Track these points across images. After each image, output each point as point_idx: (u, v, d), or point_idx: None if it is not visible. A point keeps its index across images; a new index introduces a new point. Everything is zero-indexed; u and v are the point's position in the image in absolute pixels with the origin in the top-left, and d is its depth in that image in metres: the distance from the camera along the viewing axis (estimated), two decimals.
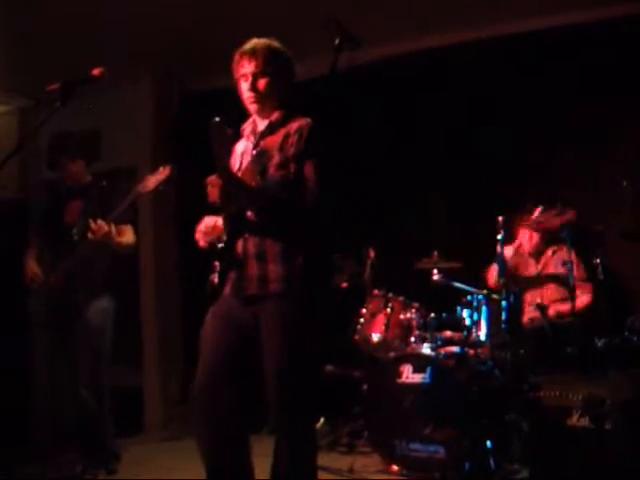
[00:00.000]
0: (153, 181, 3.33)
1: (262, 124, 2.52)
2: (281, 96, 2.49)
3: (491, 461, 3.36)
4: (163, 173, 3.31)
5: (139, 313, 5.34)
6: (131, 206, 3.53)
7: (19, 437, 3.86)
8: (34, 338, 3.73)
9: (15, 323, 3.92)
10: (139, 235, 3.94)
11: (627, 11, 4.18)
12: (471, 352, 3.77)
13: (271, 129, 2.48)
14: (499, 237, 3.70)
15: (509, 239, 4.15)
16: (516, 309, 3.85)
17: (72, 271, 3.61)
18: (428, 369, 3.63)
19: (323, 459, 3.38)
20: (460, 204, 4.72)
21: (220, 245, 2.41)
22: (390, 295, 4.08)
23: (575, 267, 3.96)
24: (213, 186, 2.33)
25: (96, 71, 2.50)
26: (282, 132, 2.45)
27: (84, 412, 3.64)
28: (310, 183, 2.37)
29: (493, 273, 4.06)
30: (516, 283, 4.04)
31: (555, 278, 4.00)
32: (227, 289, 2.45)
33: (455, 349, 3.79)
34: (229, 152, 2.56)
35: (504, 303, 3.64)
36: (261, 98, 2.46)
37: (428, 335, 3.90)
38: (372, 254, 4.33)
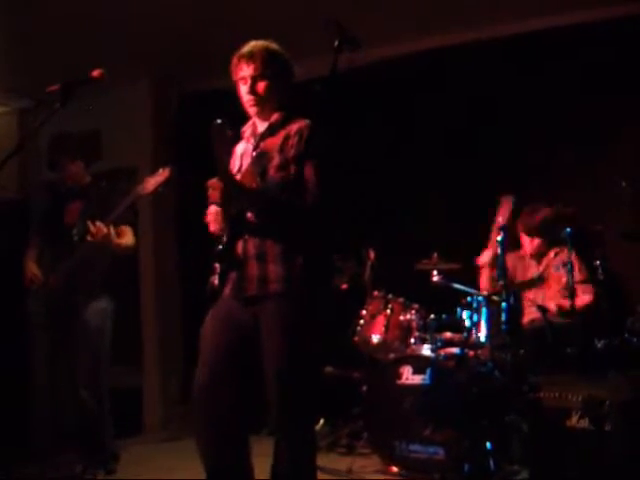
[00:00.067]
0: (152, 183, 3.33)
1: (262, 126, 2.53)
2: (280, 98, 2.50)
3: (491, 462, 3.36)
4: (162, 175, 3.31)
5: (139, 314, 5.33)
6: (131, 207, 3.53)
7: (18, 437, 3.86)
8: (34, 338, 3.73)
9: (15, 323, 3.92)
10: (139, 236, 3.94)
11: (627, 11, 4.18)
12: (471, 353, 3.77)
13: (271, 131, 2.49)
14: (498, 239, 3.70)
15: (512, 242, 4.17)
16: (516, 310, 3.85)
17: (72, 272, 3.60)
18: (428, 370, 3.63)
19: (322, 460, 3.39)
20: (460, 205, 4.72)
21: (220, 246, 2.41)
22: (390, 296, 4.08)
23: (576, 268, 3.97)
24: (214, 189, 2.34)
25: (96, 72, 2.50)
26: (282, 134, 2.45)
27: (83, 412, 3.64)
28: (310, 184, 2.37)
29: (484, 277, 4.05)
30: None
31: (531, 283, 4.01)
32: (227, 290, 2.46)
33: (455, 350, 3.78)
34: (229, 154, 2.56)
35: (504, 304, 3.64)
36: (260, 101, 2.46)
37: (428, 336, 3.90)
38: (372, 255, 4.33)
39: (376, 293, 4.14)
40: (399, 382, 3.67)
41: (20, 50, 4.76)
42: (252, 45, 2.47)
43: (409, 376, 3.66)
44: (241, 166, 2.53)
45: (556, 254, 4.19)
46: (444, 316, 3.99)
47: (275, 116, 2.49)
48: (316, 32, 2.46)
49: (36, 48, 4.64)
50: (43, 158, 4.64)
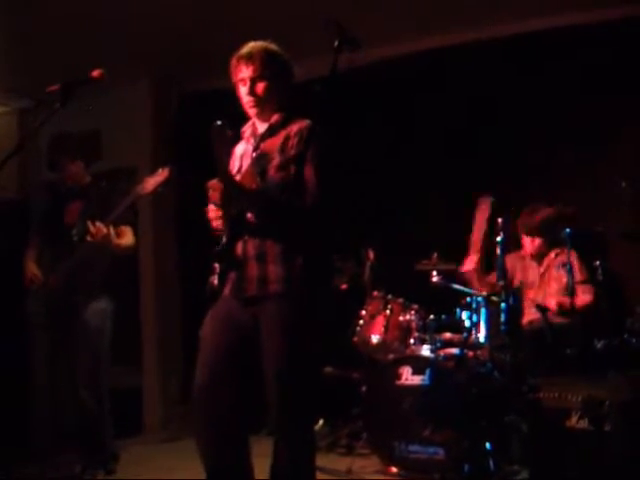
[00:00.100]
0: (152, 183, 3.33)
1: (262, 127, 2.53)
2: (280, 99, 2.49)
3: (490, 462, 3.36)
4: (162, 175, 3.31)
5: (139, 314, 5.33)
6: (131, 207, 3.53)
7: (18, 437, 3.86)
8: (34, 339, 3.74)
9: (15, 323, 3.92)
10: (139, 236, 3.94)
11: (626, 13, 4.18)
12: (470, 354, 3.77)
13: (271, 131, 2.49)
14: (498, 239, 3.70)
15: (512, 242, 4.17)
16: (515, 311, 3.85)
17: (71, 272, 3.61)
18: (427, 371, 3.63)
19: (322, 460, 3.40)
20: (460, 205, 4.72)
21: (220, 247, 2.41)
22: (389, 297, 4.07)
23: (577, 269, 3.97)
24: (214, 190, 2.34)
25: (95, 73, 2.50)
26: (282, 134, 2.45)
27: (83, 412, 3.64)
28: (310, 185, 2.37)
29: (475, 283, 4.05)
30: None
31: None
32: (227, 290, 2.46)
33: (454, 351, 3.78)
34: (229, 155, 2.56)
35: (503, 305, 3.64)
36: (260, 102, 2.46)
37: (427, 337, 3.90)
38: (372, 255, 4.33)
39: (375, 293, 4.14)
40: (398, 382, 3.67)
41: (20, 50, 4.76)
42: (251, 46, 2.47)
43: (408, 376, 3.66)
44: (241, 167, 2.53)
45: (557, 255, 4.19)
46: (443, 317, 3.99)
47: (275, 117, 2.49)
48: (316, 32, 2.46)
49: (36, 48, 4.63)
50: (43, 158, 4.64)
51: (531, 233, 4.18)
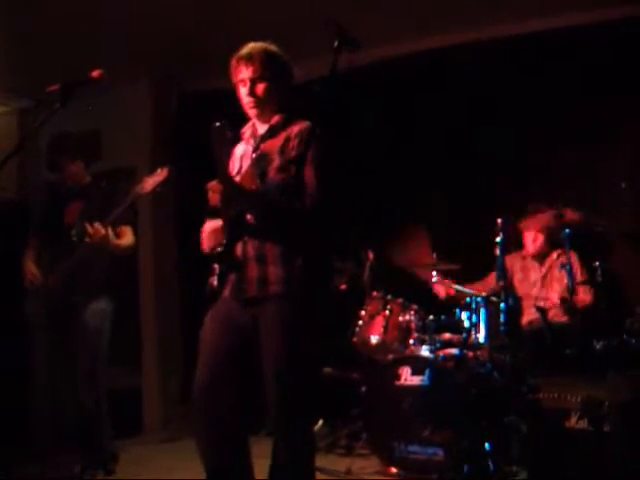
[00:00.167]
0: (151, 183, 3.33)
1: (262, 128, 2.52)
2: (280, 100, 2.49)
3: (490, 463, 3.36)
4: (161, 175, 3.31)
5: (138, 314, 5.33)
6: (130, 207, 3.53)
7: (18, 437, 3.87)
8: (33, 339, 3.74)
9: (14, 324, 3.92)
10: (138, 236, 3.94)
11: (625, 13, 4.18)
12: (470, 354, 3.77)
13: (271, 132, 2.48)
14: (498, 240, 3.70)
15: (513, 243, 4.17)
16: (515, 311, 3.85)
17: (71, 272, 3.61)
18: (427, 371, 3.63)
19: (321, 461, 3.40)
20: (460, 205, 4.72)
21: (219, 248, 2.40)
22: (389, 297, 4.07)
23: (577, 270, 3.98)
24: (214, 191, 2.34)
25: (95, 73, 2.50)
26: (283, 135, 2.45)
27: (82, 413, 3.64)
28: (310, 187, 2.37)
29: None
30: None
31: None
32: (226, 291, 2.45)
33: (454, 351, 3.79)
34: (229, 156, 2.56)
35: (503, 305, 3.64)
36: (260, 103, 2.46)
37: (427, 337, 3.90)
38: (371, 256, 4.33)
39: (375, 294, 4.14)
40: (398, 383, 3.68)
41: (20, 50, 4.76)
42: (251, 47, 2.47)
43: (408, 377, 3.66)
44: (241, 168, 2.53)
45: (559, 255, 4.19)
46: (443, 317, 3.99)
47: (276, 118, 2.49)
48: (316, 33, 2.45)
49: (36, 48, 4.63)
50: (43, 158, 4.64)
51: (550, 237, 4.17)
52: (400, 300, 4.06)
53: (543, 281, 4.21)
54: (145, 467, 4.00)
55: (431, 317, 3.98)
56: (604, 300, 3.87)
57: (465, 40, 4.66)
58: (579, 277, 4.00)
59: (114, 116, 5.36)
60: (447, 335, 3.96)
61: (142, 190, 3.37)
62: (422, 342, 3.91)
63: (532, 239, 4.25)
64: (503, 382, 3.59)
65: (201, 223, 2.51)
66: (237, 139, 2.59)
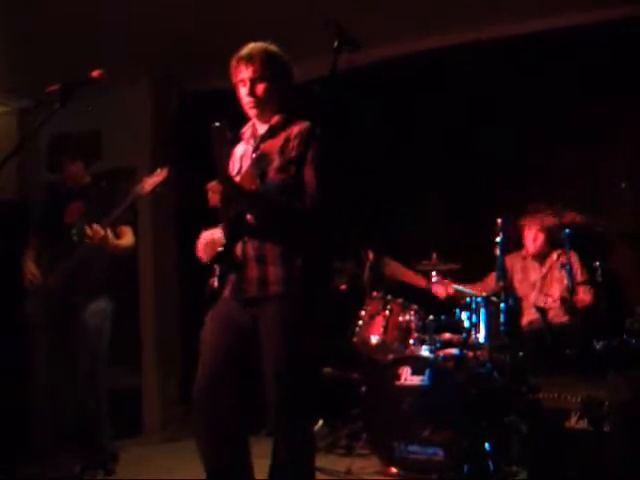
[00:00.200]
0: (150, 183, 3.33)
1: (262, 128, 2.52)
2: (280, 100, 2.49)
3: (490, 463, 3.36)
4: (160, 175, 3.31)
5: (138, 314, 5.33)
6: (130, 207, 3.53)
7: (18, 437, 3.87)
8: (33, 339, 3.74)
9: (14, 324, 3.92)
10: (139, 236, 3.94)
11: (625, 13, 4.18)
12: (470, 354, 3.77)
13: (271, 133, 2.48)
14: (498, 240, 3.70)
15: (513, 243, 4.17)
16: (515, 311, 3.85)
17: (70, 272, 3.61)
18: (427, 371, 3.63)
19: (321, 461, 3.40)
20: (460, 205, 4.72)
21: (219, 248, 2.40)
22: (389, 297, 4.07)
23: (578, 270, 3.98)
24: (214, 192, 2.33)
25: (95, 73, 2.49)
26: (282, 136, 2.45)
27: (82, 413, 3.64)
28: (310, 187, 2.37)
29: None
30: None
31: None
32: (226, 292, 2.45)
33: (454, 351, 3.79)
34: (229, 156, 2.56)
35: (503, 305, 3.64)
36: (260, 103, 2.46)
37: (427, 337, 3.90)
38: (371, 256, 4.32)
39: (375, 294, 4.14)
40: (398, 383, 3.68)
41: (20, 50, 4.76)
42: (251, 47, 2.47)
43: (408, 377, 3.66)
44: (241, 168, 2.53)
45: (559, 256, 4.19)
46: (443, 317, 3.99)
47: (276, 118, 2.49)
48: (316, 33, 2.45)
49: (36, 48, 4.63)
50: (42, 159, 4.64)
51: (551, 237, 4.17)
52: (400, 300, 4.06)
53: (543, 281, 4.21)
54: (145, 467, 4.00)
55: (431, 317, 3.98)
56: (604, 300, 3.87)
57: (465, 40, 4.66)
58: (579, 277, 4.00)
59: (114, 116, 5.36)
60: (447, 335, 3.96)
61: (142, 190, 3.38)
62: (422, 342, 3.91)
63: (532, 238, 4.25)
64: (503, 382, 3.59)
65: (201, 223, 2.51)
66: (237, 139, 2.59)
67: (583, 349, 3.44)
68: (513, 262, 4.30)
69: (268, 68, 2.44)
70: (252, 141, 2.54)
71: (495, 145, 4.67)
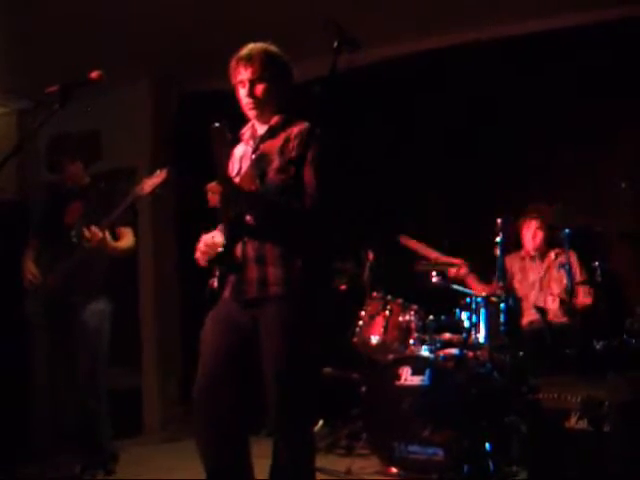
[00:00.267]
0: (150, 184, 3.34)
1: (261, 128, 2.52)
2: (280, 100, 2.49)
3: (490, 463, 3.36)
4: (160, 176, 3.31)
5: (138, 314, 5.33)
6: (130, 208, 3.53)
7: (18, 437, 3.87)
8: (33, 339, 3.74)
9: (14, 324, 3.92)
10: (139, 237, 3.94)
11: (623, 14, 4.19)
12: (470, 354, 3.77)
13: (271, 133, 2.48)
14: (498, 240, 3.70)
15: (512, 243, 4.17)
16: (515, 311, 3.85)
17: (70, 273, 3.61)
18: (427, 371, 3.63)
19: (321, 461, 3.41)
20: (460, 205, 4.72)
21: (219, 249, 2.40)
22: (389, 297, 4.08)
23: (577, 270, 3.97)
24: (213, 192, 2.33)
25: (94, 74, 2.50)
26: (282, 136, 2.45)
27: (82, 413, 3.65)
28: (310, 187, 2.36)
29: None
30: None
31: None
32: (226, 292, 2.45)
33: (454, 351, 3.79)
34: (228, 157, 2.56)
35: (503, 305, 3.64)
36: (259, 104, 2.46)
37: (427, 337, 3.91)
38: (371, 256, 4.33)
39: (375, 294, 4.14)
40: (398, 383, 3.68)
41: (20, 50, 4.76)
42: (250, 48, 2.46)
43: (408, 377, 3.66)
44: (240, 169, 2.53)
45: (557, 255, 4.20)
46: (443, 317, 3.99)
47: (275, 119, 2.49)
48: (315, 33, 2.45)
49: (36, 48, 4.63)
50: (42, 159, 4.64)
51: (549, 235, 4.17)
52: (400, 300, 4.06)
53: (542, 282, 4.21)
54: (145, 467, 4.00)
55: (431, 317, 3.98)
56: (604, 300, 3.87)
57: (465, 40, 4.66)
58: (578, 277, 4.00)
59: (114, 116, 5.36)
60: (447, 335, 3.96)
61: (141, 192, 3.38)
62: (422, 342, 3.91)
63: (532, 235, 4.25)
64: (503, 382, 3.59)
65: (201, 224, 2.51)
66: (237, 140, 2.59)
67: (583, 349, 3.44)
68: (512, 263, 4.31)
69: (267, 69, 2.43)
70: (252, 142, 2.53)
71: (495, 145, 4.68)
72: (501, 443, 3.43)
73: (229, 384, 2.39)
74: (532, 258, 4.28)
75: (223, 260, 2.38)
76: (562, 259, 4.00)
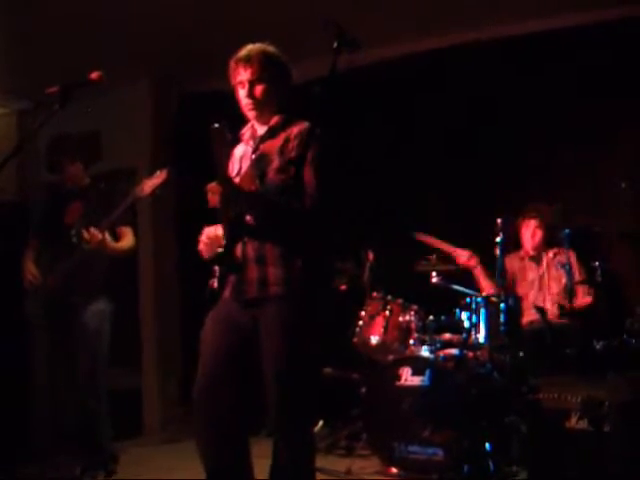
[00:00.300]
0: (150, 185, 3.34)
1: (261, 129, 2.52)
2: (279, 101, 2.49)
3: (490, 463, 3.36)
4: (160, 177, 3.32)
5: (138, 315, 5.33)
6: (129, 209, 3.53)
7: (18, 437, 3.87)
8: (33, 339, 3.74)
9: (14, 324, 3.93)
10: (139, 237, 3.94)
11: (623, 14, 4.19)
12: (470, 354, 3.77)
13: (271, 133, 2.48)
14: (498, 240, 3.70)
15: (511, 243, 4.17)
16: (515, 311, 3.85)
17: (70, 273, 3.61)
18: (427, 371, 3.63)
19: (321, 461, 3.41)
20: (460, 205, 4.72)
21: (219, 249, 2.40)
22: (389, 297, 4.08)
23: (576, 270, 3.97)
24: (213, 193, 2.33)
25: (94, 75, 2.50)
26: (282, 136, 2.45)
27: (82, 413, 3.64)
28: (310, 187, 2.36)
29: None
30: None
31: None
32: (227, 292, 2.45)
33: (454, 351, 3.79)
34: (228, 157, 2.56)
35: (503, 305, 3.64)
36: (259, 105, 2.46)
37: (427, 337, 3.91)
38: (371, 256, 4.33)
39: (375, 294, 4.14)
40: (398, 383, 3.68)
41: (20, 51, 4.76)
42: (249, 49, 2.46)
43: (408, 377, 3.66)
44: (240, 169, 2.53)
45: (555, 254, 4.20)
46: (443, 317, 3.99)
47: (275, 119, 2.49)
48: (315, 33, 2.45)
49: (36, 49, 4.63)
50: (42, 160, 4.64)
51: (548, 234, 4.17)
52: (400, 300, 4.06)
53: (540, 281, 4.21)
54: (145, 467, 4.00)
55: (431, 317, 3.98)
56: (604, 300, 3.87)
57: (465, 40, 4.67)
58: (577, 276, 4.00)
59: (114, 117, 5.36)
60: (447, 335, 3.96)
61: (141, 192, 3.38)
62: (422, 342, 3.91)
63: (531, 235, 4.25)
64: (503, 382, 3.58)
65: (201, 224, 2.51)
66: (237, 140, 2.59)
67: (583, 349, 3.44)
68: (512, 263, 4.30)
69: (267, 69, 2.43)
70: (252, 142, 2.54)
71: (495, 145, 4.68)
72: (501, 443, 3.43)
73: (229, 384, 2.39)
74: (531, 258, 4.28)
75: (223, 260, 2.38)
76: (561, 258, 4.01)
